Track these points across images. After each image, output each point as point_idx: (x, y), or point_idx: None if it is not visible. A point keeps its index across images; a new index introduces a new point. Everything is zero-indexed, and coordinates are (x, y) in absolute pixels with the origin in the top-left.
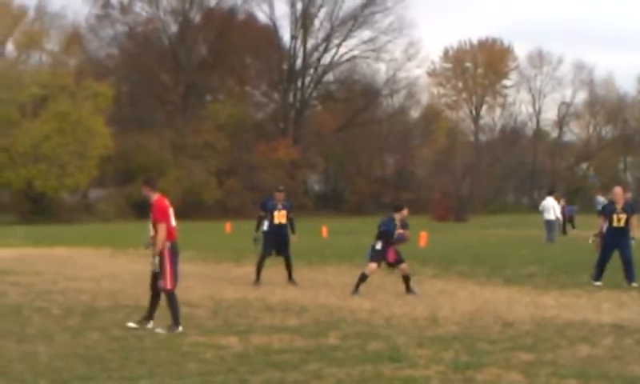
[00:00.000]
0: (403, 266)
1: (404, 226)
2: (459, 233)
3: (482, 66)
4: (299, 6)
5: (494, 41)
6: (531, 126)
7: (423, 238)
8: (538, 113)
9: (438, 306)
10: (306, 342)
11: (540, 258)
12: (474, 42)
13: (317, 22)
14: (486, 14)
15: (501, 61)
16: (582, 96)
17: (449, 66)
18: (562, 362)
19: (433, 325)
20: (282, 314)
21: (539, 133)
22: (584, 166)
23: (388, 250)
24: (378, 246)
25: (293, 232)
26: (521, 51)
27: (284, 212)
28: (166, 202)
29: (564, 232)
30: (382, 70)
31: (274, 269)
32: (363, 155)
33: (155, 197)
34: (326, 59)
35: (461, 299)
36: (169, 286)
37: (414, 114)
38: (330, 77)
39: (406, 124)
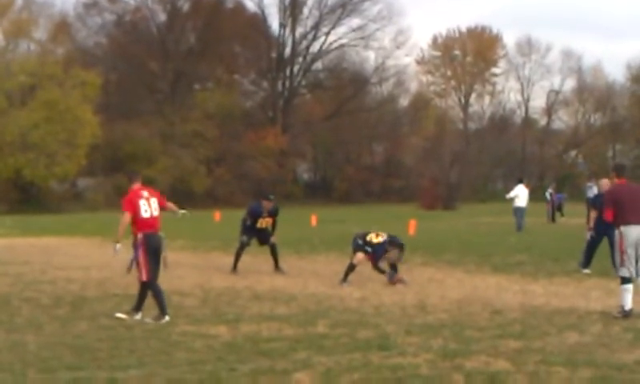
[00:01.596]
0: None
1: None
2: (448, 221)
3: (471, 53)
4: None
5: (483, 28)
6: (520, 113)
7: (412, 226)
8: (526, 101)
9: (426, 294)
10: (295, 331)
11: (529, 245)
12: (463, 29)
13: (305, 10)
14: (474, 2)
15: (489, 49)
16: (570, 84)
17: (438, 53)
18: (550, 349)
19: (421, 313)
20: (271, 302)
21: (528, 121)
22: (573, 153)
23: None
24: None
25: (271, 233)
26: (509, 39)
27: (269, 219)
28: (141, 193)
29: (553, 220)
30: (370, 58)
31: (262, 257)
32: (352, 143)
33: (131, 188)
34: (315, 47)
35: (449, 287)
36: (144, 278)
37: (403, 102)
38: (318, 65)
39: (395, 112)
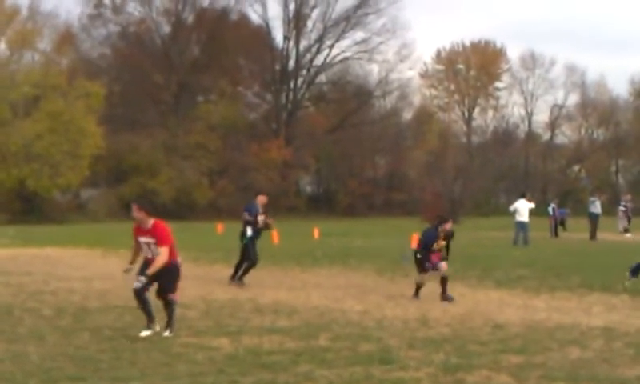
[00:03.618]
0: (443, 264)
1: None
2: None
3: (475, 67)
4: (292, 6)
5: (487, 42)
6: (523, 128)
7: (415, 240)
8: (530, 115)
9: (428, 308)
10: (297, 344)
11: (531, 260)
12: (467, 43)
13: (309, 23)
14: (478, 16)
15: (493, 63)
16: (574, 98)
17: (441, 67)
18: (551, 364)
19: (424, 327)
20: (273, 315)
21: (531, 135)
22: (576, 168)
23: (429, 256)
24: (419, 255)
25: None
26: (513, 53)
27: (262, 217)
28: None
29: (556, 235)
30: (374, 71)
31: (264, 271)
32: (355, 156)
33: (152, 220)
34: (319, 60)
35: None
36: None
37: (406, 115)
38: (322, 78)
39: (398, 125)
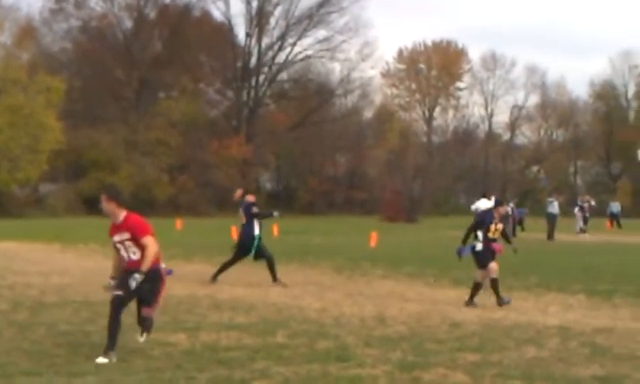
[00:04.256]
0: (493, 265)
1: (503, 220)
2: (410, 233)
3: (436, 67)
4: (255, 3)
5: (449, 43)
6: (483, 128)
7: (373, 238)
8: (490, 115)
9: (386, 306)
10: (254, 340)
11: None
12: (429, 43)
13: (272, 21)
14: (440, 16)
15: (454, 63)
16: (534, 99)
17: (403, 66)
18: (507, 362)
19: (381, 325)
20: (231, 311)
21: (491, 135)
22: (535, 169)
23: (489, 247)
24: (479, 247)
25: None
26: (475, 54)
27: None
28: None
29: (513, 234)
30: (336, 69)
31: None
32: (316, 154)
33: (124, 212)
34: (281, 58)
35: (409, 300)
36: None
37: (367, 114)
38: (284, 75)
39: (359, 124)
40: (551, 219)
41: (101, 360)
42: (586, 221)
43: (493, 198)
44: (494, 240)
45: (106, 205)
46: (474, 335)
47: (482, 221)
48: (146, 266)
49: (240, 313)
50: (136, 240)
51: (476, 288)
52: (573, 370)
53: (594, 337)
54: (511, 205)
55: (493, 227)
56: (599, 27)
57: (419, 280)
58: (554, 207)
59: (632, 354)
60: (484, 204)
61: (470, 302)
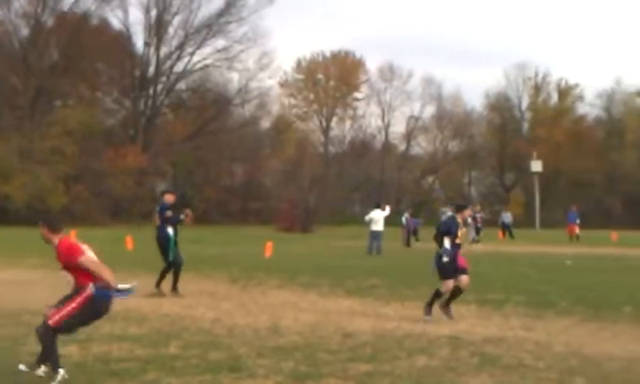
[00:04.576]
0: (465, 277)
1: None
2: (305, 243)
3: (334, 78)
4: (153, 13)
5: (347, 53)
6: (380, 138)
7: (269, 248)
8: (387, 126)
9: (280, 316)
10: (146, 351)
11: (383, 269)
12: (327, 54)
13: (171, 30)
14: (339, 28)
15: (352, 74)
16: (430, 110)
17: (301, 77)
18: (399, 372)
19: (274, 335)
20: (123, 322)
21: (387, 146)
22: (430, 179)
23: (457, 255)
24: (445, 258)
25: None
26: (372, 65)
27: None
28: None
29: (408, 244)
30: (234, 79)
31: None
32: (213, 164)
33: (58, 238)
34: (179, 67)
35: (303, 310)
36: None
37: (265, 124)
38: (182, 85)
39: (257, 134)
40: None
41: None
42: (478, 231)
43: (387, 208)
44: (459, 245)
45: (41, 231)
46: (367, 345)
47: (449, 230)
48: (108, 281)
49: (132, 324)
50: (68, 268)
51: (437, 295)
52: (462, 379)
53: (484, 346)
54: (406, 215)
55: (460, 233)
56: (494, 40)
57: (313, 290)
58: (447, 217)
59: (520, 363)
60: (378, 214)
61: (429, 311)
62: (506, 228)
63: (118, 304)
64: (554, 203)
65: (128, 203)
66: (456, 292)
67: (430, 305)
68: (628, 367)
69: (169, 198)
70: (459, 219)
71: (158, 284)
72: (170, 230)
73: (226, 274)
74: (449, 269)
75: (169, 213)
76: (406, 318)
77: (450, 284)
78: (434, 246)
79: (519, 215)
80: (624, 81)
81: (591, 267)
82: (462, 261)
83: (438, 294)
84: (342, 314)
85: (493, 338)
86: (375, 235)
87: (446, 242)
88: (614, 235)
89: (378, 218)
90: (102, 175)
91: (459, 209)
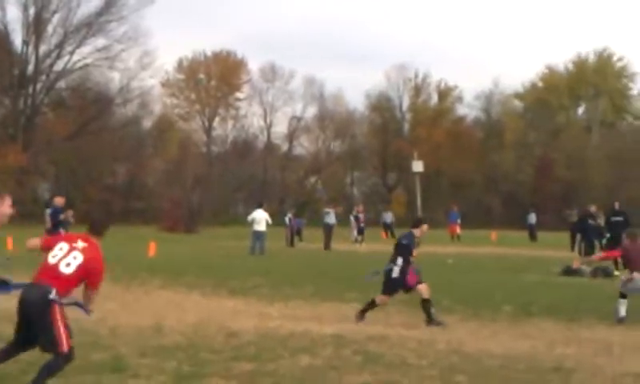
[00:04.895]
0: (422, 286)
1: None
2: (188, 243)
3: (216, 78)
4: (32, 10)
5: (229, 53)
6: (262, 138)
7: (152, 248)
8: (269, 126)
9: (163, 316)
10: (28, 354)
11: (267, 269)
12: (209, 53)
13: (50, 28)
14: (221, 27)
15: (234, 73)
16: (312, 111)
17: (182, 77)
18: (282, 371)
19: (157, 335)
20: (5, 324)
21: (270, 146)
22: (313, 179)
23: (407, 273)
24: (396, 273)
25: None
26: (254, 65)
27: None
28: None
29: (291, 244)
30: (115, 78)
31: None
32: (95, 163)
33: None
34: (59, 66)
35: (187, 309)
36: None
37: (147, 123)
38: (62, 84)
39: (139, 133)
40: (327, 229)
41: None
42: (361, 231)
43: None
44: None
45: None
46: (250, 344)
47: (408, 246)
48: None
49: (11, 325)
50: None
51: (372, 304)
52: (345, 377)
53: (367, 345)
54: (289, 215)
55: (415, 253)
56: (375, 40)
57: (197, 290)
58: (331, 218)
59: (403, 361)
60: (259, 214)
61: (362, 317)
62: (387, 227)
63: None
64: (436, 203)
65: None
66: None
67: (363, 311)
68: (507, 364)
69: (59, 201)
70: (417, 235)
71: None
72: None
73: (109, 273)
74: (395, 284)
75: (62, 216)
76: (289, 318)
77: (386, 299)
78: (317, 246)
79: (401, 215)
80: (502, 82)
81: (472, 267)
82: (412, 278)
83: (372, 304)
84: (226, 314)
85: (376, 337)
86: (258, 235)
87: (399, 260)
88: (494, 235)
89: (260, 218)
90: None
91: (417, 224)
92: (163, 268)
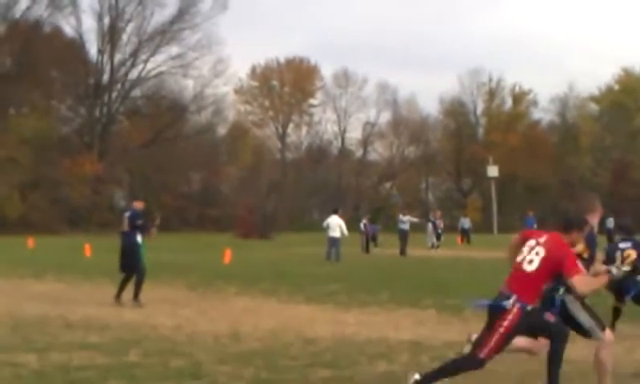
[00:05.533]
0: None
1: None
2: (263, 250)
3: (289, 84)
4: (106, 20)
5: (301, 60)
6: (336, 144)
7: (227, 255)
8: (343, 132)
9: (240, 323)
10: (107, 360)
11: (342, 276)
12: (282, 60)
13: (124, 37)
14: (294, 34)
15: (307, 80)
16: (385, 116)
17: (256, 83)
18: (359, 378)
19: (235, 341)
20: (83, 331)
21: (344, 152)
22: (387, 185)
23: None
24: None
25: None
26: (327, 71)
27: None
28: None
29: (367, 250)
30: (189, 86)
31: (75, 286)
32: (169, 171)
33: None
34: (134, 74)
35: (263, 316)
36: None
37: (221, 130)
38: (137, 92)
39: (213, 141)
40: (403, 235)
41: None
42: (438, 236)
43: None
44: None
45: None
46: (327, 351)
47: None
48: None
49: (93, 332)
50: None
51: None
52: None
53: (445, 351)
54: (364, 221)
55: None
56: (448, 45)
57: (273, 297)
58: (406, 223)
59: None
60: (334, 220)
61: None
62: (464, 233)
63: (77, 313)
64: (511, 208)
65: (85, 212)
66: None
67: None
68: (585, 370)
69: (138, 205)
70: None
71: (118, 295)
72: (139, 238)
73: (185, 281)
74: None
75: (140, 221)
76: (365, 324)
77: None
78: (393, 252)
79: (477, 220)
80: (577, 85)
81: None
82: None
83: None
84: (302, 321)
85: (453, 343)
86: (333, 241)
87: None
88: None
89: (334, 224)
90: (59, 184)
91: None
92: (239, 275)
